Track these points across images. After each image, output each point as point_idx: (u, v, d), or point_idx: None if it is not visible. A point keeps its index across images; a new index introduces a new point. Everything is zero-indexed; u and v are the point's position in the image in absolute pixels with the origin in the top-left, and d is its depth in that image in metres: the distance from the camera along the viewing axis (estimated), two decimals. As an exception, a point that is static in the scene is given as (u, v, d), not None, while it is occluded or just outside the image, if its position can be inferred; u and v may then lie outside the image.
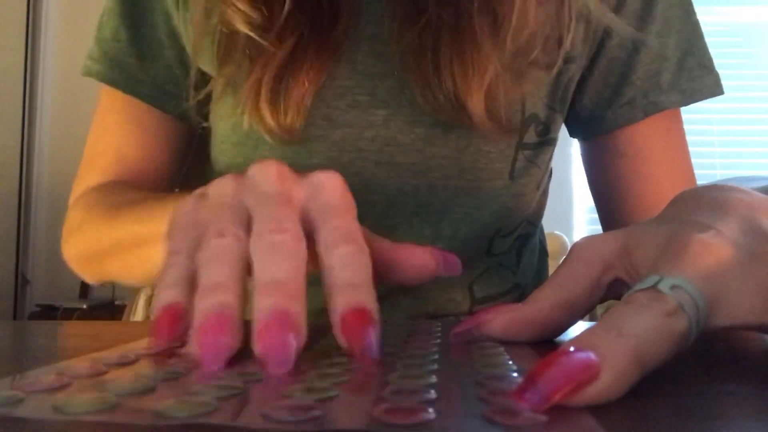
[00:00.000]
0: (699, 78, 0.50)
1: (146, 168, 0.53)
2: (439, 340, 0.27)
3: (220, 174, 0.52)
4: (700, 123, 2.70)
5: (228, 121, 0.49)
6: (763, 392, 0.19)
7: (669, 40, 0.49)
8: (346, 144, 0.46)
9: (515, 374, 0.20)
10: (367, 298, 0.22)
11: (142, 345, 0.26)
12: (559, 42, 0.47)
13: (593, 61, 0.50)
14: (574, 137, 0.55)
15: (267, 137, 0.46)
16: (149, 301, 0.69)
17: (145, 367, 0.21)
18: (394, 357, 0.23)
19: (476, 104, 0.41)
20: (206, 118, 0.51)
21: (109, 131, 0.53)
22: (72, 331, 0.38)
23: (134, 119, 0.53)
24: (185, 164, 0.58)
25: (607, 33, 0.49)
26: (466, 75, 0.41)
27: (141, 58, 0.52)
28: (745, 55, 2.69)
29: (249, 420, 0.15)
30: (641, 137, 0.50)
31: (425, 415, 0.15)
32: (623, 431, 0.15)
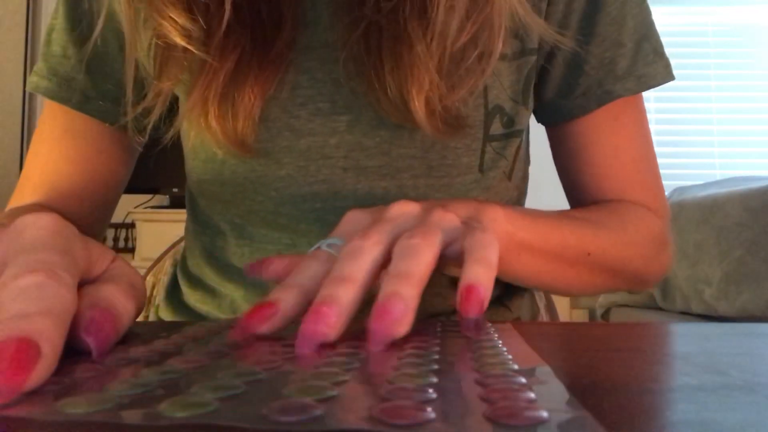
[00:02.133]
0: (653, 64, 0.51)
1: (81, 185, 0.52)
2: (439, 340, 0.27)
3: (196, 184, 0.52)
4: (700, 123, 2.71)
5: (196, 140, 0.49)
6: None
7: (625, 26, 0.49)
8: (312, 152, 0.46)
9: (515, 374, 0.20)
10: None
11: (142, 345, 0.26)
12: (519, 36, 0.47)
13: (552, 53, 0.50)
14: (540, 123, 0.56)
15: (219, 152, 0.46)
16: (148, 301, 0.69)
17: (144, 368, 0.21)
18: (394, 357, 0.23)
19: (418, 107, 0.41)
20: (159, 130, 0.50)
21: (48, 147, 0.52)
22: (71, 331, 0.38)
23: (77, 136, 0.52)
24: (130, 171, 0.58)
25: (562, 24, 0.49)
26: (405, 78, 0.41)
27: (90, 74, 0.51)
28: (745, 55, 2.69)
29: (249, 420, 0.15)
30: (590, 126, 0.51)
31: (425, 415, 0.15)
32: (622, 430, 0.15)
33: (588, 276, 0.45)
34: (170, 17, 0.41)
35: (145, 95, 0.45)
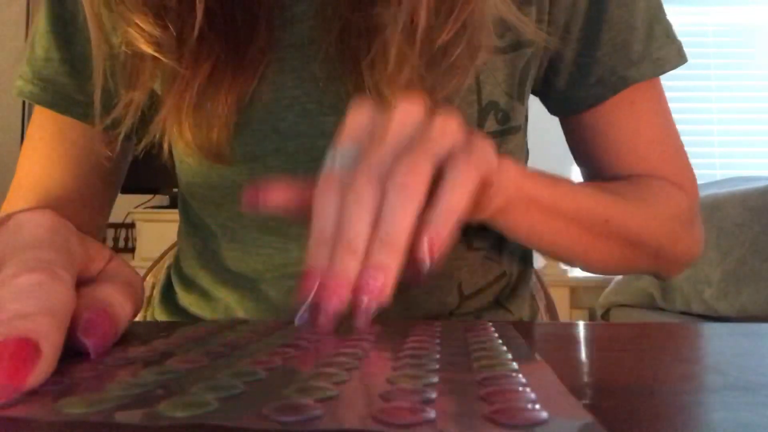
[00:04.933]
0: (666, 47, 0.50)
1: (74, 189, 0.51)
2: (439, 340, 0.27)
3: (186, 187, 0.51)
4: (700, 123, 2.71)
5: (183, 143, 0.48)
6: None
7: (636, 8, 0.49)
8: (300, 155, 0.45)
9: (515, 374, 0.20)
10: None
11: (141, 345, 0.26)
12: (514, 29, 0.46)
13: (562, 42, 0.49)
14: (553, 115, 0.55)
15: (190, 160, 0.46)
16: (148, 301, 0.69)
17: (144, 368, 0.21)
18: (394, 357, 0.23)
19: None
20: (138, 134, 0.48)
21: (39, 152, 0.51)
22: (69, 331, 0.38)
23: (66, 139, 0.51)
24: (124, 173, 0.57)
25: (570, 13, 0.48)
26: (382, 77, 0.40)
27: (75, 77, 0.50)
28: (745, 55, 2.69)
29: (249, 420, 0.15)
30: (606, 114, 0.50)
31: (425, 415, 0.15)
32: (622, 430, 0.15)
33: (606, 246, 0.44)
34: (137, 24, 0.40)
35: (116, 104, 0.44)
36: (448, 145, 0.32)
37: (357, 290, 0.28)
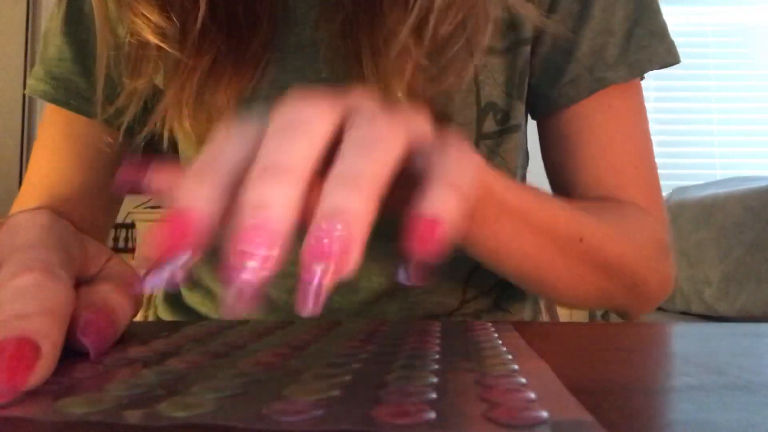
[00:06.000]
0: (648, 47, 0.48)
1: (84, 187, 0.51)
2: (439, 340, 0.27)
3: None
4: (700, 123, 2.71)
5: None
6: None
7: (615, 13, 0.48)
8: None
9: (515, 374, 0.20)
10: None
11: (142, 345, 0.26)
12: (514, 27, 0.46)
13: (538, 39, 0.48)
14: (530, 117, 0.54)
15: (191, 153, 0.46)
16: (149, 300, 0.69)
17: (144, 368, 0.21)
18: (394, 357, 0.23)
19: (400, 98, 0.40)
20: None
21: (49, 151, 0.52)
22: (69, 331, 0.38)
23: (77, 138, 0.51)
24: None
25: (550, 10, 0.47)
26: (384, 69, 0.40)
27: (87, 76, 0.50)
28: (745, 55, 2.69)
29: (249, 420, 0.15)
30: (581, 116, 0.48)
31: (425, 415, 0.15)
32: (622, 430, 0.15)
33: (579, 269, 0.39)
34: (143, 14, 0.41)
35: (119, 94, 0.45)
36: (422, 128, 0.24)
37: (304, 253, 0.18)
